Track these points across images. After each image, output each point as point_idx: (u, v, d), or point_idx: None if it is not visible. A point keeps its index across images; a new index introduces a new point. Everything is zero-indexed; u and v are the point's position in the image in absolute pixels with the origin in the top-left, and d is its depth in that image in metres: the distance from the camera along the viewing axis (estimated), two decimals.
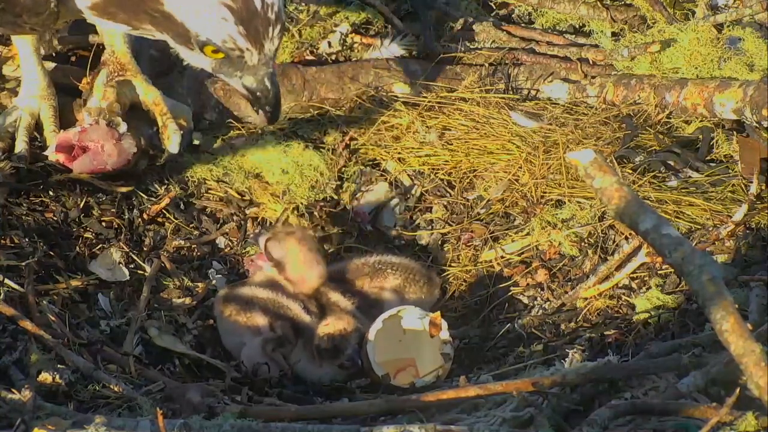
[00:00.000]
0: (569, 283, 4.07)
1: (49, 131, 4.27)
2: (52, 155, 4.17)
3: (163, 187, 4.32)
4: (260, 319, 3.87)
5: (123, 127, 4.23)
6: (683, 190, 4.20)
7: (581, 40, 4.91)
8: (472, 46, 4.90)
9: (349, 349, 3.73)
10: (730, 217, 3.98)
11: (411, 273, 4.01)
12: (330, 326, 3.76)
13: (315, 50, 4.98)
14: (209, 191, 4.40)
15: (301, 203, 4.36)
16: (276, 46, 3.66)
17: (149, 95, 4.36)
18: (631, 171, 4.27)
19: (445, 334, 3.75)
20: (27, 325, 3.50)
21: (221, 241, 4.30)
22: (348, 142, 4.54)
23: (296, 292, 3.95)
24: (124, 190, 4.21)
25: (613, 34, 4.87)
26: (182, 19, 3.61)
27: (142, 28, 3.73)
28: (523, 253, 4.22)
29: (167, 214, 4.28)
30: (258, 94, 3.73)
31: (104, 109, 4.26)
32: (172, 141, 4.29)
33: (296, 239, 3.94)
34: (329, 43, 4.99)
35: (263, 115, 3.85)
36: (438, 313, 3.78)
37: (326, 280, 3.96)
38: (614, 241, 4.11)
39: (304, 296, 3.94)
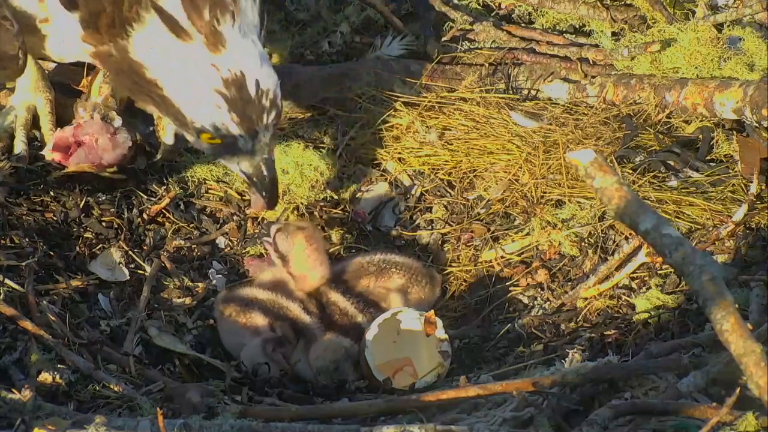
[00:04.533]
0: (569, 283, 4.07)
1: (47, 129, 4.27)
2: (48, 154, 4.17)
3: (162, 187, 4.32)
4: (260, 320, 3.87)
5: (118, 122, 4.23)
6: (683, 190, 4.20)
7: (581, 40, 4.90)
8: (472, 46, 4.90)
9: (348, 379, 3.73)
10: (730, 217, 3.98)
11: (414, 273, 4.01)
12: (319, 359, 3.76)
13: (315, 50, 4.98)
14: (209, 191, 4.40)
15: (301, 203, 4.36)
16: (272, 132, 3.76)
17: None
18: (631, 171, 4.27)
19: (441, 332, 3.75)
20: (27, 325, 3.50)
21: (221, 241, 4.30)
22: (348, 142, 4.54)
23: (297, 288, 3.95)
24: (117, 177, 4.20)
25: (613, 34, 4.87)
26: (179, 104, 3.71)
27: (147, 108, 3.86)
28: (523, 253, 4.22)
29: (167, 214, 4.28)
30: (255, 179, 3.82)
31: (99, 104, 4.26)
32: (167, 131, 4.29)
33: (304, 236, 3.93)
34: (329, 43, 5.00)
35: (260, 200, 3.95)
36: (432, 311, 3.78)
37: (328, 280, 3.96)
38: (614, 241, 4.11)
39: (304, 296, 3.94)
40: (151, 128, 4.36)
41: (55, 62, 3.99)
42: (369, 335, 3.71)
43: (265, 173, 3.82)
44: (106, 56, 3.78)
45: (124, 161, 4.22)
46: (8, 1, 3.76)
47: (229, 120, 3.71)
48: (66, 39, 3.80)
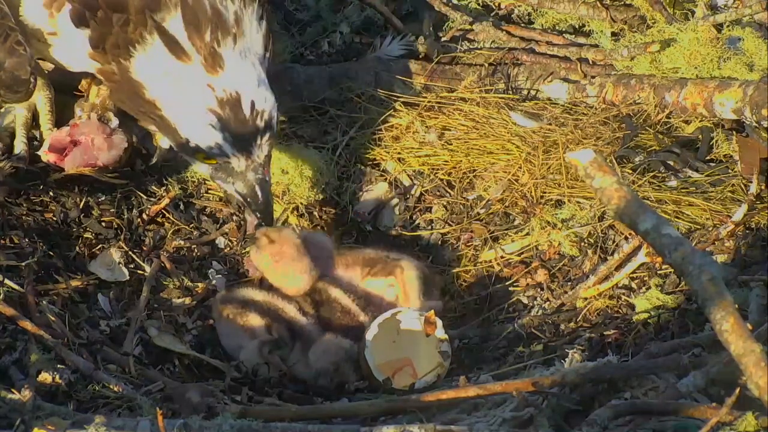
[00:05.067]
0: (569, 283, 4.07)
1: (46, 128, 4.27)
2: (44, 156, 4.16)
3: (162, 188, 4.32)
4: (257, 321, 3.87)
5: (114, 122, 4.23)
6: (683, 190, 4.20)
7: (581, 40, 4.90)
8: (471, 46, 4.90)
9: (348, 381, 3.74)
10: (730, 217, 3.98)
11: (427, 280, 4.02)
12: (319, 361, 3.76)
13: (315, 50, 4.98)
14: (209, 191, 4.40)
15: (301, 203, 4.36)
16: (266, 153, 3.79)
17: None
18: (630, 171, 4.27)
19: (440, 332, 3.75)
20: (27, 325, 3.50)
21: (221, 241, 4.30)
22: (348, 142, 4.54)
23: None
24: (117, 182, 4.20)
25: (613, 34, 4.87)
26: (176, 124, 3.74)
27: (149, 127, 3.90)
28: (522, 253, 4.22)
29: (167, 214, 4.28)
30: (248, 199, 3.84)
31: (97, 105, 4.26)
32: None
33: (270, 253, 3.93)
34: (329, 43, 5.00)
35: (255, 220, 3.98)
36: (432, 311, 3.78)
37: (316, 281, 3.95)
38: (614, 241, 4.12)
39: (299, 296, 3.94)
40: (148, 135, 4.36)
41: (63, 68, 4.02)
42: (369, 335, 3.71)
43: (259, 194, 3.84)
44: (110, 74, 3.85)
45: (120, 162, 4.21)
46: (20, 18, 3.80)
47: (222, 139, 3.75)
48: (74, 52, 3.86)
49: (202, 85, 3.75)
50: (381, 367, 3.71)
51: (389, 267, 3.97)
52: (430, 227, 4.39)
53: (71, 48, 3.85)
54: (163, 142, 4.28)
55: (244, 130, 3.75)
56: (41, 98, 4.29)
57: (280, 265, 3.93)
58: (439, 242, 4.35)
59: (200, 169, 3.99)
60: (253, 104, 3.75)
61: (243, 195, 3.89)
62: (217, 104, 3.73)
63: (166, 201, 4.29)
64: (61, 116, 4.34)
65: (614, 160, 4.31)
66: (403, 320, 3.81)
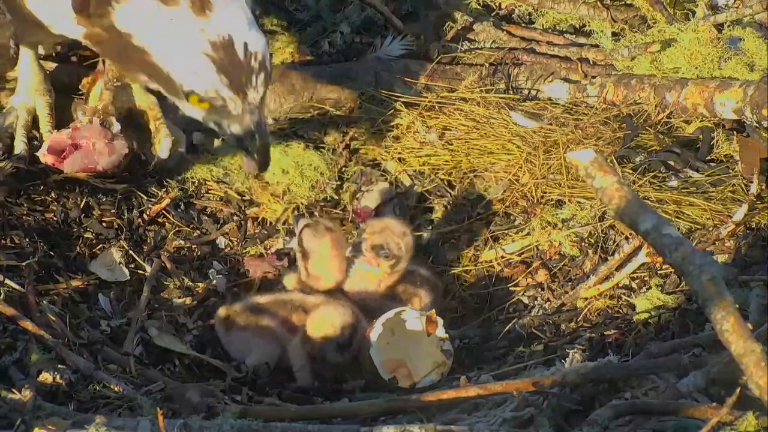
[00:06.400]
0: (569, 283, 4.07)
1: (45, 131, 4.27)
2: (42, 157, 4.16)
3: (163, 188, 4.32)
4: (272, 323, 3.87)
5: (116, 127, 4.23)
6: (683, 190, 4.20)
7: (581, 40, 4.91)
8: (472, 46, 4.90)
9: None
10: (730, 217, 3.98)
11: (433, 287, 4.03)
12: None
13: (315, 50, 4.98)
14: (209, 191, 4.40)
15: (302, 203, 4.36)
16: (261, 94, 3.72)
17: (145, 101, 4.37)
18: (631, 171, 4.27)
19: (441, 331, 3.75)
20: (27, 325, 3.50)
21: (221, 241, 4.31)
22: (348, 142, 4.54)
23: (308, 285, 3.96)
24: (119, 187, 4.21)
25: (614, 34, 4.87)
26: (168, 70, 3.69)
27: (139, 78, 3.84)
28: (523, 253, 4.22)
29: (167, 215, 4.28)
30: (245, 141, 3.78)
31: (99, 109, 4.26)
32: (162, 145, 4.29)
33: (331, 239, 3.95)
34: (329, 43, 5.00)
35: (252, 162, 3.87)
36: (433, 310, 3.78)
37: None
38: (614, 241, 4.12)
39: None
40: (148, 143, 4.36)
41: (56, 36, 3.97)
42: (374, 335, 3.71)
43: (256, 134, 3.78)
44: (96, 36, 3.77)
45: (119, 168, 4.22)
46: None
47: (218, 82, 3.70)
48: (57, 15, 3.79)
49: (192, 28, 3.69)
50: (385, 364, 3.71)
51: (408, 293, 3.99)
52: (430, 227, 4.39)
53: (53, 6, 3.78)
54: (161, 152, 4.29)
55: (239, 72, 3.72)
56: (41, 103, 4.29)
57: (335, 256, 3.94)
58: (439, 242, 4.35)
59: (191, 113, 3.91)
60: (246, 46, 3.70)
61: (238, 137, 3.84)
62: (211, 47, 3.69)
63: (166, 201, 4.29)
64: (62, 117, 4.35)
65: (615, 160, 4.31)
66: (406, 319, 3.81)
